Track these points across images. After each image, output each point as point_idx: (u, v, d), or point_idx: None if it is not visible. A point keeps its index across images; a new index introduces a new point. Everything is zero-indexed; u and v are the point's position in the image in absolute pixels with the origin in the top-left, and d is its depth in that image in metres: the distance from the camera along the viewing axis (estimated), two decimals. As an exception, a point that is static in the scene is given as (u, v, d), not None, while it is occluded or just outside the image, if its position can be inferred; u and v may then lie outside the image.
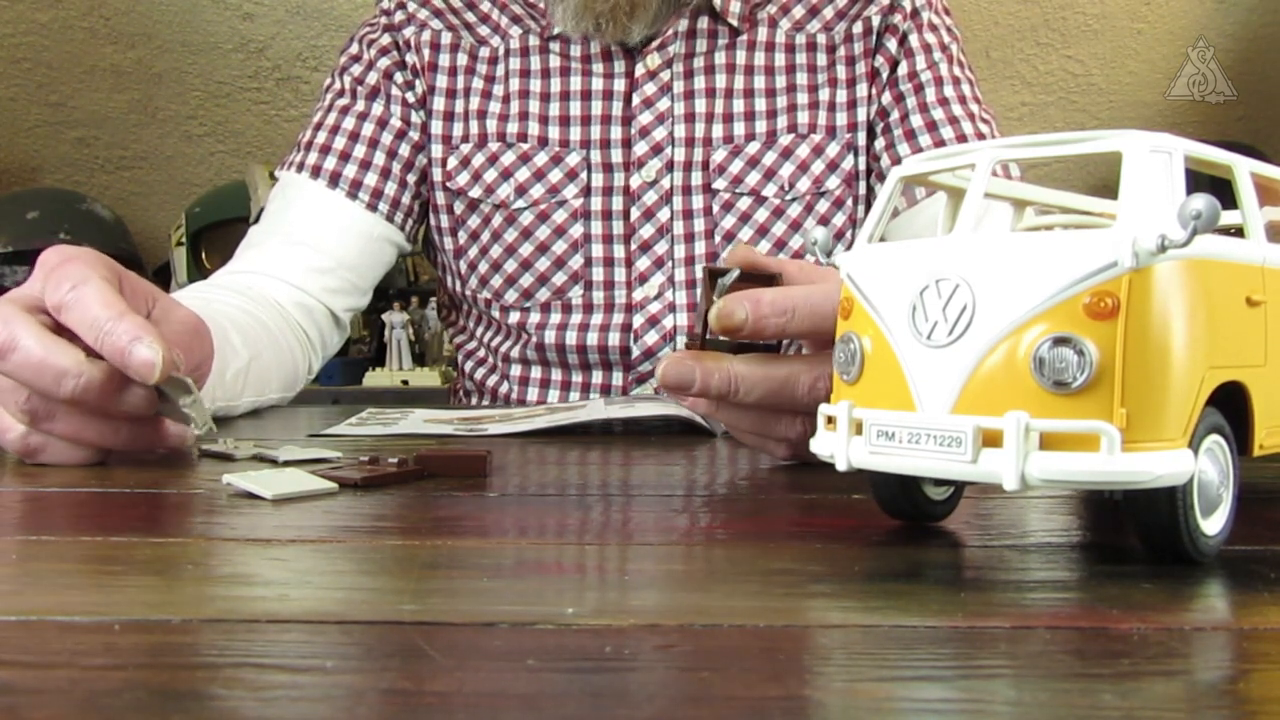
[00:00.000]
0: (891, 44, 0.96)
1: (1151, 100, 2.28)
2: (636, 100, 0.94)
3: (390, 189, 0.97)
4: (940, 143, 0.93)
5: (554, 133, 0.95)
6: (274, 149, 2.20)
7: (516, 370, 0.98)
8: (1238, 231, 0.35)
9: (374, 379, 1.89)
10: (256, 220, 0.99)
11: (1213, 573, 0.31)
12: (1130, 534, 0.35)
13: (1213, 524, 0.31)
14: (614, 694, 0.21)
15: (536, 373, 0.97)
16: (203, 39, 2.13)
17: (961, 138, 0.93)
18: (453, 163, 0.97)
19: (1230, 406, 0.31)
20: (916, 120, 0.94)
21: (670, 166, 0.94)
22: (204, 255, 2.04)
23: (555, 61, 0.96)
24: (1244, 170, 0.34)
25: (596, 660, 0.23)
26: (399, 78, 0.98)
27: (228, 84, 2.19)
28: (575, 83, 0.96)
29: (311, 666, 0.22)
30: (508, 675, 0.22)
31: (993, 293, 0.30)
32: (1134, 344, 0.28)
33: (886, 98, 0.96)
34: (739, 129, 0.95)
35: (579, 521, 0.39)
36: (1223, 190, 0.33)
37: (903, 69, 0.96)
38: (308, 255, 0.94)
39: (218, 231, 2.02)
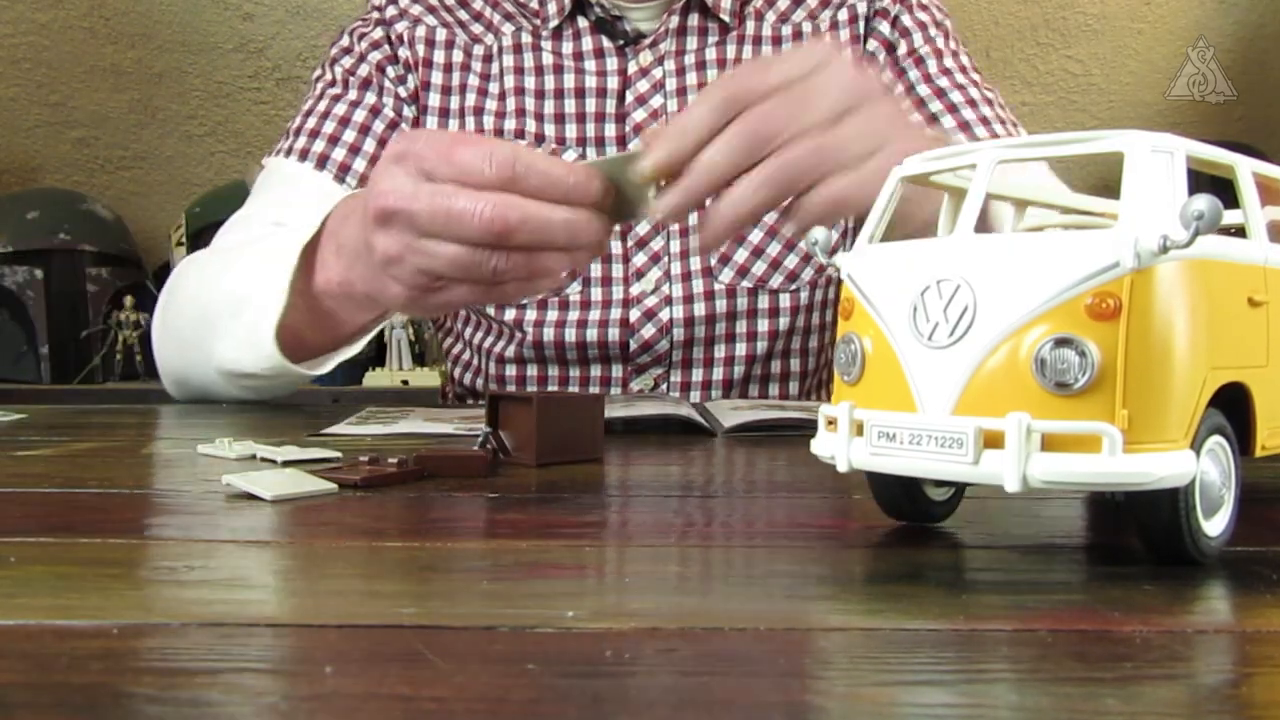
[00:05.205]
0: (884, 27, 0.97)
1: (1151, 100, 2.27)
2: (630, 97, 0.95)
3: None
4: (950, 107, 0.93)
5: (549, 130, 0.95)
6: (274, 149, 2.19)
7: (512, 370, 0.98)
8: (1239, 232, 0.35)
9: (374, 379, 1.89)
10: None
11: (1215, 574, 0.31)
12: (1132, 535, 0.35)
13: (1215, 525, 0.31)
14: (615, 698, 0.21)
15: (533, 371, 0.97)
16: (203, 39, 2.13)
17: (971, 103, 0.94)
18: None
19: (1232, 407, 0.31)
20: (924, 89, 0.95)
21: None
22: (204, 255, 2.04)
23: (549, 59, 0.96)
24: (1246, 170, 0.34)
25: (597, 664, 0.23)
26: (391, 71, 0.98)
27: (228, 84, 2.18)
28: (569, 80, 0.96)
29: (310, 671, 0.22)
30: (508, 679, 0.22)
31: (994, 293, 0.30)
32: (1136, 345, 0.28)
33: (887, 76, 0.96)
34: None
35: (578, 523, 0.39)
36: (1224, 190, 0.33)
37: (901, 49, 0.96)
38: (289, 235, 0.93)
39: (218, 231, 2.02)
